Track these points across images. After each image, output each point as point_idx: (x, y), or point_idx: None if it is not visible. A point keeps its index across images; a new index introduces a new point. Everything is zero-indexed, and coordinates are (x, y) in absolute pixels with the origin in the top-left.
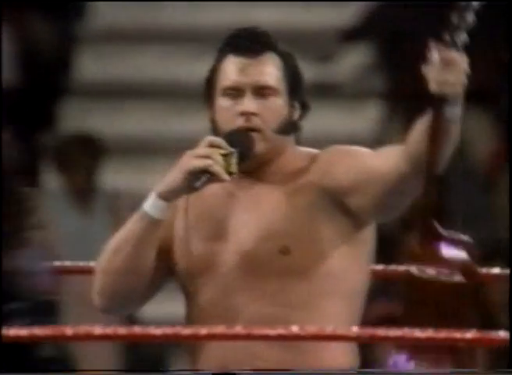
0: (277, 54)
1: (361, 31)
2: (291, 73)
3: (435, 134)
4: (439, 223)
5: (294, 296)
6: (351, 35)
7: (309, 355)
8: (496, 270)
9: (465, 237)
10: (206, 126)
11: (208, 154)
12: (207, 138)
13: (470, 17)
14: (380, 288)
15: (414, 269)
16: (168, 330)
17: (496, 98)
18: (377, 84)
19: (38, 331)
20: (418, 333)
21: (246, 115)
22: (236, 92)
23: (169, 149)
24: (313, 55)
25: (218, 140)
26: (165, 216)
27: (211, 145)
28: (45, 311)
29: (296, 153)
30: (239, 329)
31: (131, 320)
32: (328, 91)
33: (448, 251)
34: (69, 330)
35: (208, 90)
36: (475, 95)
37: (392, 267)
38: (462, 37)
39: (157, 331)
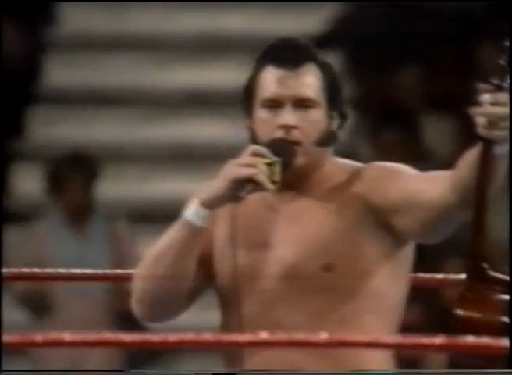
0: (317, 65)
1: (330, 38)
2: (330, 84)
3: (484, 171)
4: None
5: (335, 313)
6: (320, 42)
7: (345, 364)
8: None
9: (506, 277)
10: (174, 133)
11: (252, 163)
12: (251, 147)
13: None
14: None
15: (460, 311)
16: (138, 337)
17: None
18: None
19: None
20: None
21: (285, 128)
22: (275, 104)
23: (138, 157)
24: None
25: (262, 149)
26: (206, 224)
27: (255, 154)
28: None
29: (336, 165)
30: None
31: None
32: None
33: (497, 296)
34: (38, 337)
35: (246, 99)
36: (441, 102)
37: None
38: (509, 79)
39: (126, 337)
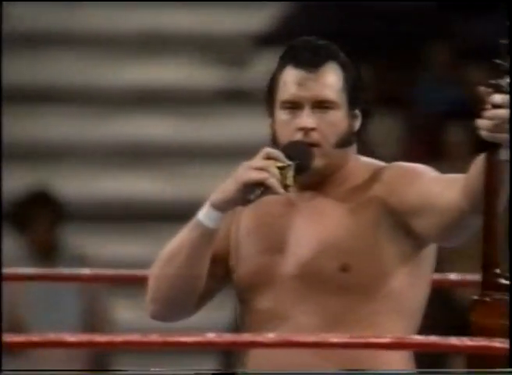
0: (338, 64)
1: (276, 36)
2: (352, 83)
3: (491, 176)
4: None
5: (352, 314)
6: (266, 40)
7: (362, 366)
8: None
9: None
10: (123, 131)
11: (264, 166)
12: (264, 150)
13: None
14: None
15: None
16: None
17: (408, 104)
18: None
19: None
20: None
21: (304, 130)
22: (294, 106)
23: (88, 155)
24: (227, 60)
25: (276, 152)
26: (219, 225)
27: (268, 157)
28: None
29: (359, 165)
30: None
31: None
32: (242, 97)
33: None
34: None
35: (268, 99)
36: (387, 101)
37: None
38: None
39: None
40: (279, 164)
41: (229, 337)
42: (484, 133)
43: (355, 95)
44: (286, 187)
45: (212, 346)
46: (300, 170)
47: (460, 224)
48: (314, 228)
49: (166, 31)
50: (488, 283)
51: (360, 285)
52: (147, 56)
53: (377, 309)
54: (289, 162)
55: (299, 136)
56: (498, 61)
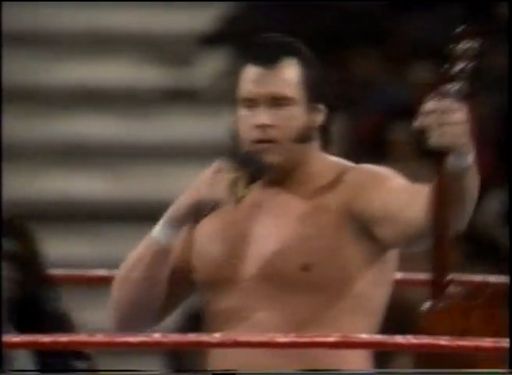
0: (297, 59)
1: (221, 36)
2: (311, 78)
3: (440, 184)
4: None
5: (314, 313)
6: (211, 40)
7: (318, 365)
8: None
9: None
10: (64, 130)
11: (213, 181)
12: (213, 164)
13: (468, 64)
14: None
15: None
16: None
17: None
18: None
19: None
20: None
21: (261, 127)
22: (252, 103)
23: (29, 154)
24: (171, 59)
25: (224, 165)
26: (174, 241)
27: (218, 171)
28: None
29: (323, 162)
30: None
31: None
32: (186, 97)
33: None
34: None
35: (233, 97)
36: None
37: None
38: (460, 86)
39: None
40: (230, 176)
41: (175, 337)
42: (430, 140)
43: (316, 90)
44: (238, 198)
45: (159, 346)
46: (251, 179)
47: (422, 235)
48: (277, 227)
49: (113, 31)
50: (437, 292)
51: (321, 284)
52: (94, 55)
53: (339, 309)
54: (240, 173)
55: (256, 133)
56: (446, 66)
